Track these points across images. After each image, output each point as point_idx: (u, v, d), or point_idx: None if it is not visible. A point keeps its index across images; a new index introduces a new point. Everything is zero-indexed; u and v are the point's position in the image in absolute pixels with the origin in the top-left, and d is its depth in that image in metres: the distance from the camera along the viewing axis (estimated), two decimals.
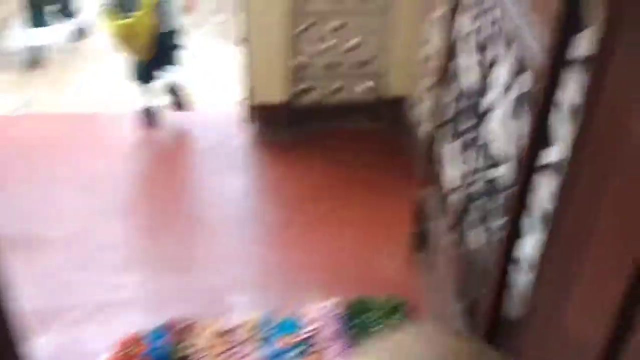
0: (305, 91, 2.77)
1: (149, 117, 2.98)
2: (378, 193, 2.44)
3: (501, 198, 1.18)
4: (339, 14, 2.59)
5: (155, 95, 2.97)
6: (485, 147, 1.32)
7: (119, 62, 3.72)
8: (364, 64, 2.73)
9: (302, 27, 2.60)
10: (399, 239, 2.10)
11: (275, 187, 2.50)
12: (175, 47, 2.92)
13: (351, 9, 2.56)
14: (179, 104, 2.98)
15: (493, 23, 1.36)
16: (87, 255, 2.12)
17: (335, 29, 2.63)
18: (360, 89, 2.80)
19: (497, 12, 1.29)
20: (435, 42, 2.35)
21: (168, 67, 2.94)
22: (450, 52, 1.62)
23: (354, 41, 2.67)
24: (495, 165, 1.24)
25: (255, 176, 2.62)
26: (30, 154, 2.62)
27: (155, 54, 2.79)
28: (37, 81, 3.54)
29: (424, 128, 2.51)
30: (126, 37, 2.69)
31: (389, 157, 2.65)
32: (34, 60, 3.63)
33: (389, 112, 2.80)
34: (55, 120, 3.00)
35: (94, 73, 3.66)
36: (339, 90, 2.79)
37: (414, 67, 2.64)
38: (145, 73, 2.89)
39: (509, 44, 1.25)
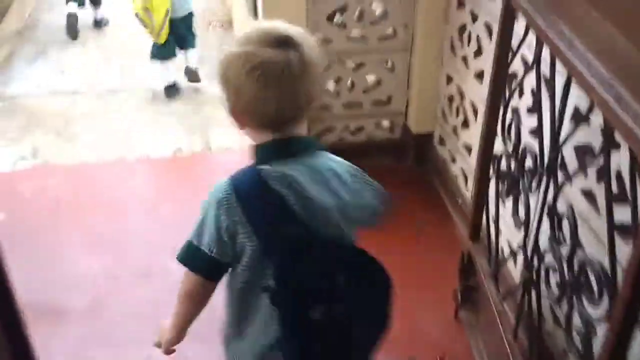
0: (326, 131, 2.67)
1: (170, 91, 3.74)
2: (411, 238, 2.33)
3: (591, 282, 1.07)
4: (358, 53, 2.49)
5: (171, 73, 3.75)
6: (561, 218, 1.21)
7: (125, 113, 3.65)
8: (384, 102, 2.63)
9: None
10: (441, 292, 1.99)
11: None
12: (189, 31, 3.71)
13: (371, 48, 2.47)
14: (193, 80, 3.77)
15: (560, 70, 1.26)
16: (111, 326, 1.99)
17: (354, 68, 2.53)
18: (382, 127, 2.70)
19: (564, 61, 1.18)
20: (462, 80, 2.26)
21: (184, 49, 3.75)
22: (501, 94, 1.51)
23: (373, 80, 2.58)
24: (577, 243, 1.13)
25: None
26: (39, 212, 2.50)
27: (172, 38, 3.61)
28: (41, 129, 3.43)
29: (457, 169, 2.40)
30: (144, 11, 3.50)
31: (419, 198, 2.54)
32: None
33: (413, 150, 2.69)
34: (63, 173, 2.88)
35: (100, 119, 3.57)
36: (360, 129, 2.69)
37: (438, 105, 2.55)
38: (161, 53, 3.67)
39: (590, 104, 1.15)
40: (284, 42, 1.01)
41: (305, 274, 1.04)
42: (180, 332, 1.21)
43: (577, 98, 1.32)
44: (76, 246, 2.32)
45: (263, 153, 1.07)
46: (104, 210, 2.51)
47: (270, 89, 1.00)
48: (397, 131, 2.71)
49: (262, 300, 1.05)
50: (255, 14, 2.51)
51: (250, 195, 1.03)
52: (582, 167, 1.41)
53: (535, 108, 1.53)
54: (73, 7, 4.42)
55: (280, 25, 1.05)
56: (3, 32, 4.51)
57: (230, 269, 1.11)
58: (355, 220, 1.13)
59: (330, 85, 2.56)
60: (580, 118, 1.36)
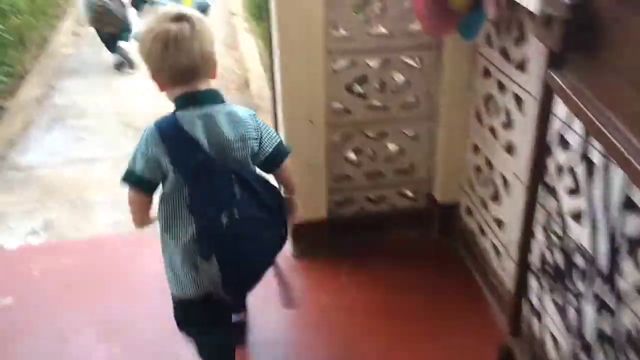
0: (346, 202, 2.55)
1: None
2: (440, 323, 2.16)
3: None
4: (379, 122, 2.40)
5: None
6: (625, 333, 1.06)
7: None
8: (407, 170, 2.52)
9: (337, 137, 2.41)
10: None
11: (320, 321, 2.22)
12: None
13: (392, 116, 2.38)
14: None
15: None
16: None
17: (375, 138, 2.43)
18: (406, 196, 2.58)
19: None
20: (489, 151, 2.14)
21: None
22: (539, 179, 1.38)
23: (395, 149, 2.47)
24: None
25: (296, 309, 2.30)
26: (47, 295, 2.38)
27: None
28: (56, 200, 3.37)
29: (487, 242, 2.25)
30: None
31: (446, 273, 2.39)
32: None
33: (437, 220, 2.56)
34: (75, 249, 2.77)
35: (116, 187, 3.50)
36: (382, 198, 2.57)
37: (464, 175, 2.42)
38: None
39: None
40: (179, 17, 1.40)
41: (210, 188, 1.42)
42: (140, 226, 1.62)
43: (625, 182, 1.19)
44: (85, 333, 2.19)
45: (178, 103, 1.46)
46: (115, 291, 2.40)
47: (169, 50, 1.38)
48: (421, 200, 2.58)
49: (184, 209, 1.45)
50: (273, 87, 2.45)
51: (168, 133, 1.42)
52: (636, 262, 1.27)
53: (577, 192, 1.40)
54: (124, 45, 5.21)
55: (179, 8, 1.46)
56: (21, 99, 4.55)
57: (161, 186, 1.49)
58: (250, 150, 1.49)
59: (351, 155, 2.46)
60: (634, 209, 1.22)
